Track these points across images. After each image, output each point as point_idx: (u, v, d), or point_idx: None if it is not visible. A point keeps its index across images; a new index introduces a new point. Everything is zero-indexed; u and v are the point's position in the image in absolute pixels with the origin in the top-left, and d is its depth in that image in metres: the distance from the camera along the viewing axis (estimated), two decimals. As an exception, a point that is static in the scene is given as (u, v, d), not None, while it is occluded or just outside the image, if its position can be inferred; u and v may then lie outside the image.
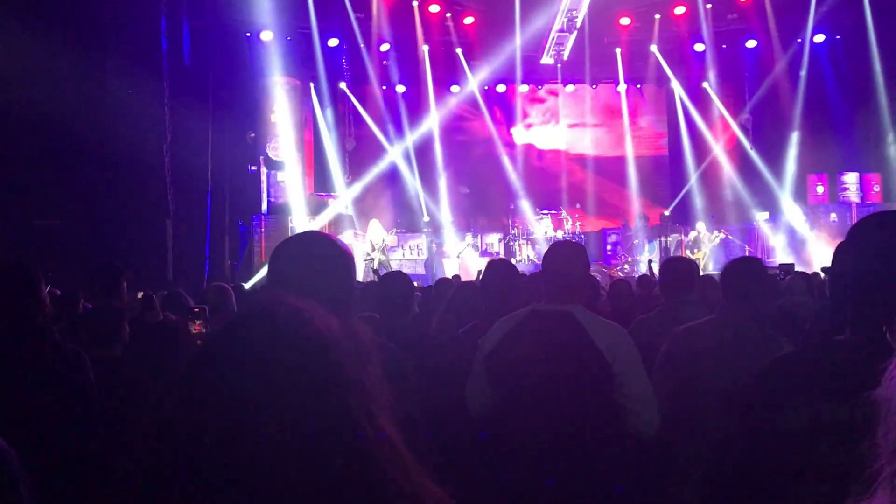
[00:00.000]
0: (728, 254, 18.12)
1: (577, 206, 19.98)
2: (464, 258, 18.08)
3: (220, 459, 0.98)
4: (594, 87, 21.62)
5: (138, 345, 3.88)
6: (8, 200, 12.44)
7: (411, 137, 20.07)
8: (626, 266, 18.43)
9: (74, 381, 3.07)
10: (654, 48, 20.16)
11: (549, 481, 2.81)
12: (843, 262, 1.84)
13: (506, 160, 21.01)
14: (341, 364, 1.08)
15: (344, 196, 19.04)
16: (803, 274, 7.33)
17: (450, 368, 3.51)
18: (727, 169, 20.28)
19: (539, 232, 18.64)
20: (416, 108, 20.41)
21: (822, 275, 7.30)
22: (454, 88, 20.57)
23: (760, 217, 18.77)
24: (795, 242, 18.05)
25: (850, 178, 18.27)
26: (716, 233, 17.85)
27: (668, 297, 4.68)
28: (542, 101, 22.31)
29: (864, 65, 17.86)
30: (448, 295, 4.78)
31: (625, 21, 19.50)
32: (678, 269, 4.79)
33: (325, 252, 2.09)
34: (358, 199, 19.48)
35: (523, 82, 21.06)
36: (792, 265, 9.59)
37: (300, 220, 17.09)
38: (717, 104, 20.49)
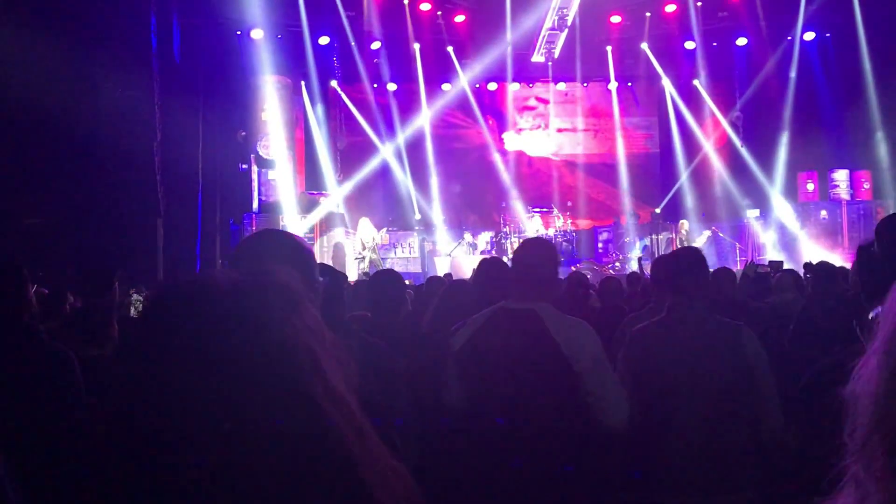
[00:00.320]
0: (718, 251, 18.18)
1: (569, 204, 20.01)
2: (455, 256, 18.08)
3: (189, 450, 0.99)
4: (585, 85, 21.66)
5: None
6: (-3, 199, 12.39)
7: (403, 136, 20.08)
8: (616, 264, 18.47)
9: (61, 381, 3.07)
10: (644, 46, 20.20)
11: (510, 476, 2.86)
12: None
13: (498, 162, 21.07)
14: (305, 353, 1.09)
15: (335, 194, 19.02)
16: (791, 271, 7.34)
17: (440, 366, 3.52)
18: (718, 166, 20.36)
19: (531, 230, 18.65)
20: (408, 106, 20.41)
21: (804, 273, 7.32)
22: (445, 86, 20.57)
23: (751, 214, 18.83)
24: (786, 240, 18.13)
25: (840, 176, 18.34)
26: (705, 233, 17.91)
27: (659, 295, 4.68)
28: (532, 108, 22.34)
29: (854, 62, 17.93)
30: (439, 293, 4.78)
31: (615, 19, 19.54)
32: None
33: (284, 248, 2.12)
34: (349, 197, 19.48)
35: (514, 80, 21.09)
36: (781, 262, 9.60)
37: (291, 219, 17.05)
38: (708, 102, 20.56)
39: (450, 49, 19.98)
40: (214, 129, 17.01)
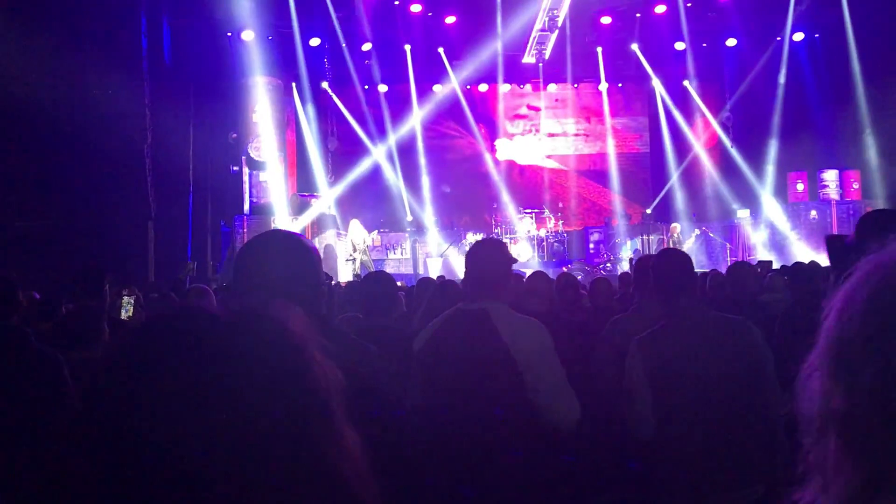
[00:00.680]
0: (709, 251, 18.24)
1: (560, 205, 20.05)
2: (448, 256, 18.09)
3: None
4: (575, 86, 21.70)
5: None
6: (-12, 202, 12.34)
7: (394, 137, 20.08)
8: (608, 264, 18.50)
9: (49, 383, 3.06)
10: (634, 47, 20.26)
11: (465, 479, 2.89)
12: None
13: (491, 169, 21.12)
14: (312, 364, 1.09)
15: (327, 196, 19.01)
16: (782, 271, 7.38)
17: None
18: (708, 167, 20.45)
19: (522, 231, 18.68)
20: (399, 107, 20.40)
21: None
22: (437, 88, 20.58)
23: (741, 215, 18.90)
24: (776, 239, 18.20)
25: (830, 176, 18.42)
26: (696, 231, 17.97)
27: (642, 296, 4.70)
28: (523, 116, 22.37)
29: (843, 62, 18.02)
30: (428, 294, 4.80)
31: (605, 20, 19.56)
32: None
33: (291, 251, 2.11)
34: (341, 199, 19.47)
35: (505, 82, 21.10)
36: (770, 262, 9.66)
37: (283, 221, 17.04)
38: (698, 102, 20.63)
39: (440, 50, 20.00)
40: (205, 131, 16.98)
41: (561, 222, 19.10)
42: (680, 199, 20.18)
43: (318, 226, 18.02)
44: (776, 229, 18.36)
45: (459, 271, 13.37)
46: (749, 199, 19.19)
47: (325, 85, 20.10)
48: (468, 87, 20.90)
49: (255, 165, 17.80)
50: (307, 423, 1.04)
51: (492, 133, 21.93)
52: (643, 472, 3.55)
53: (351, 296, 6.83)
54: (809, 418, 0.96)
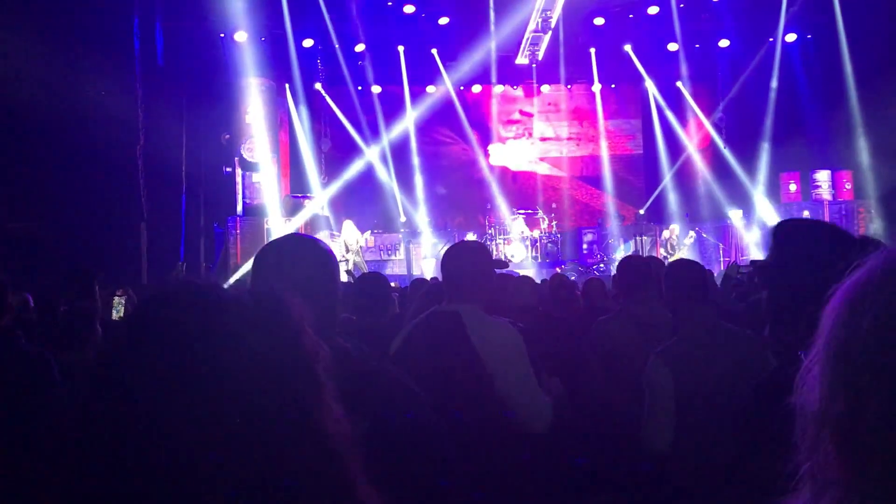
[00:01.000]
0: (702, 252, 18.27)
1: (553, 205, 20.06)
2: (440, 258, 18.05)
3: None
4: (569, 87, 21.71)
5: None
6: (-21, 204, 12.30)
7: (387, 138, 20.07)
8: (601, 265, 18.53)
9: (39, 383, 3.05)
10: (628, 48, 20.29)
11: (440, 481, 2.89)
12: None
13: (485, 173, 21.12)
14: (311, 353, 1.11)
15: (320, 197, 18.98)
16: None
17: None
18: (701, 167, 20.48)
19: (515, 231, 18.68)
20: (392, 108, 20.39)
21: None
22: (430, 89, 20.58)
23: (734, 215, 18.93)
24: (769, 240, 18.19)
25: (822, 176, 18.46)
26: (691, 233, 17.99)
27: (627, 297, 4.71)
28: (517, 122, 22.39)
29: (836, 63, 18.06)
30: (419, 294, 4.80)
31: (599, 21, 19.58)
32: (636, 268, 4.80)
33: (310, 256, 2.09)
34: (334, 199, 19.45)
35: (499, 83, 21.11)
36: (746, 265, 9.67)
37: (276, 222, 17.01)
38: (691, 103, 20.68)
39: (434, 51, 20.00)
40: (198, 132, 16.95)
41: (554, 223, 19.11)
42: (673, 200, 20.21)
43: (311, 227, 18.01)
44: (769, 230, 18.35)
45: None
46: (742, 199, 19.23)
47: (318, 86, 20.09)
48: (461, 88, 20.90)
49: (247, 166, 17.76)
50: (297, 388, 1.07)
51: (485, 138, 21.92)
52: (643, 473, 3.56)
53: (344, 296, 6.82)
54: (804, 425, 0.94)
